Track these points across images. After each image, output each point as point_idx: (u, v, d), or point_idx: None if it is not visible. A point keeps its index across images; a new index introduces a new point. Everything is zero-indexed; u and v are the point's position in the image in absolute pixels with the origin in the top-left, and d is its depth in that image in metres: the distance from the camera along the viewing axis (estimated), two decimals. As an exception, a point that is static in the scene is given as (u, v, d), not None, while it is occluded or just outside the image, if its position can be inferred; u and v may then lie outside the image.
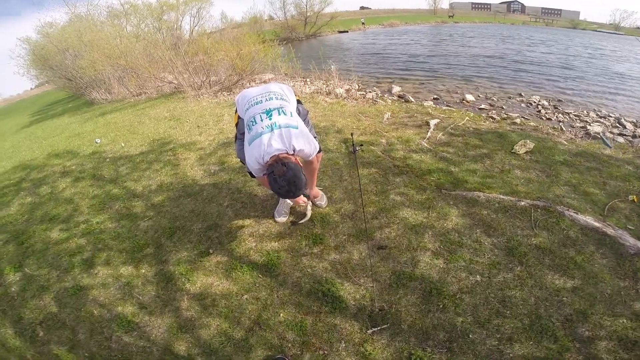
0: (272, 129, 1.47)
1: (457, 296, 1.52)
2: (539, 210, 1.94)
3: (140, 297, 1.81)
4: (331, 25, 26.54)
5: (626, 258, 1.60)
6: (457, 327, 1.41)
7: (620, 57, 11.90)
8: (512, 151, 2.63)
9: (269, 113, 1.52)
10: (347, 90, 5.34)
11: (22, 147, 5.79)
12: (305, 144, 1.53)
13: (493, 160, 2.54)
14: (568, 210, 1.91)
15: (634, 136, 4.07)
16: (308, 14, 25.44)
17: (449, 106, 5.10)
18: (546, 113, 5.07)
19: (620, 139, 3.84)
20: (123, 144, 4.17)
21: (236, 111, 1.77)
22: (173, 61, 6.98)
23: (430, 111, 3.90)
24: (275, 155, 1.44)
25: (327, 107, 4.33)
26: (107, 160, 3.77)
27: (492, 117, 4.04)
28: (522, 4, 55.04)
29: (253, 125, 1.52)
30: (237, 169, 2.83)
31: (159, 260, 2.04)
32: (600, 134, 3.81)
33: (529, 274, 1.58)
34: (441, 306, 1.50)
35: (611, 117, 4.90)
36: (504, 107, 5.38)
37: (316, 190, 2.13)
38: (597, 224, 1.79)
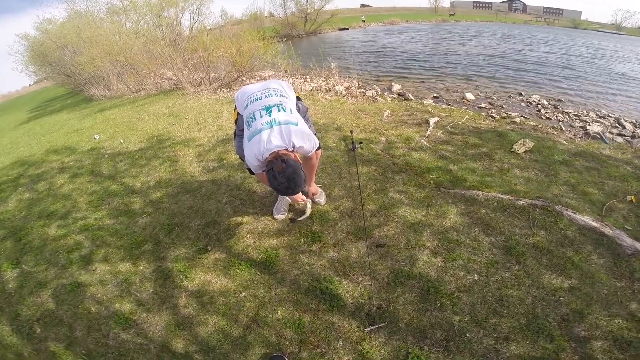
0: (271, 126, 1.46)
1: (455, 295, 1.53)
2: (537, 209, 1.95)
3: (138, 294, 1.81)
4: (331, 23, 26.42)
5: (623, 258, 1.60)
6: (455, 326, 1.41)
7: (621, 58, 11.89)
8: (512, 150, 2.63)
9: (268, 109, 1.51)
10: (347, 88, 5.32)
11: (20, 143, 5.76)
12: (305, 140, 1.53)
13: (492, 159, 2.54)
14: (566, 209, 1.91)
15: (633, 136, 4.07)
16: (308, 11, 25.33)
17: (449, 105, 5.09)
18: (546, 112, 5.07)
19: (620, 139, 3.85)
20: (122, 140, 4.16)
21: (235, 108, 1.77)
22: (172, 58, 6.95)
23: (430, 109, 3.89)
24: (274, 151, 1.44)
25: (327, 104, 4.32)
26: (106, 156, 3.75)
27: (492, 116, 4.04)
28: (524, 3, 54.86)
29: (252, 121, 1.51)
30: (236, 166, 2.82)
31: (157, 257, 2.03)
32: (600, 134, 3.82)
33: (527, 273, 1.58)
34: (439, 305, 1.50)
35: (611, 117, 4.90)
36: (503, 106, 5.38)
37: (315, 187, 2.13)
38: (595, 224, 1.79)
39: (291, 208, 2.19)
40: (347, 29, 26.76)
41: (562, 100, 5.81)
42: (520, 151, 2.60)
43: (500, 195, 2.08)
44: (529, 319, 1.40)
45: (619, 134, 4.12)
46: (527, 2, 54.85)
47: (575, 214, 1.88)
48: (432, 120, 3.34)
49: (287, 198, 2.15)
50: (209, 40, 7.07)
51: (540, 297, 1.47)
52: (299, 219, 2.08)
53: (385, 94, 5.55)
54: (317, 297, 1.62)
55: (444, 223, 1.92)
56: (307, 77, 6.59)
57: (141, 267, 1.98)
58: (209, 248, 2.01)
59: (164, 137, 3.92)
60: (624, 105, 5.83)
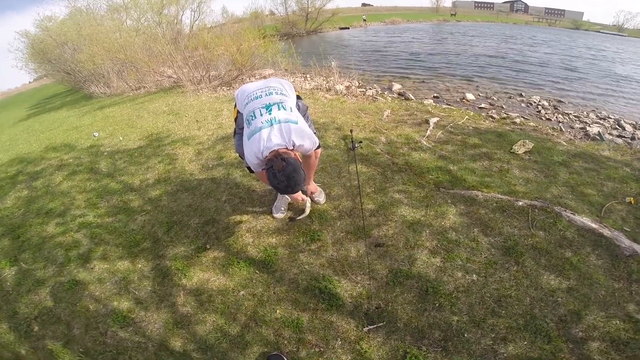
0: (271, 124, 1.46)
1: (453, 295, 1.53)
2: (536, 210, 1.94)
3: (136, 292, 1.81)
4: (332, 22, 26.37)
5: (621, 259, 1.60)
6: (453, 326, 1.41)
7: (623, 59, 11.88)
8: (511, 151, 2.63)
9: (268, 108, 1.51)
10: (347, 87, 5.32)
11: (19, 140, 5.75)
12: (305, 139, 1.52)
13: (492, 159, 2.53)
14: (565, 210, 1.92)
15: (633, 138, 4.07)
16: (309, 9, 25.28)
17: (449, 105, 5.08)
18: (546, 113, 5.06)
19: (619, 141, 3.85)
20: (121, 138, 4.15)
21: (235, 106, 1.76)
22: (173, 55, 6.94)
23: (430, 109, 3.89)
24: (274, 150, 1.43)
25: (327, 103, 4.31)
26: (105, 154, 3.74)
27: (492, 117, 4.04)
28: (526, 4, 54.78)
29: (252, 119, 1.51)
30: (236, 164, 2.82)
31: (156, 255, 2.03)
32: (599, 134, 3.81)
33: (525, 273, 1.59)
34: (437, 305, 1.50)
35: (611, 118, 4.90)
36: (504, 106, 5.37)
37: (313, 186, 2.13)
38: (593, 225, 1.79)
39: (290, 207, 2.19)
40: (348, 28, 26.71)
41: (562, 101, 5.81)
42: (520, 152, 2.60)
43: (499, 196, 2.08)
44: (526, 319, 1.40)
45: (619, 136, 4.12)
46: (529, 2, 54.78)
47: (574, 215, 1.88)
48: (432, 120, 3.34)
49: (287, 197, 2.15)
50: (209, 38, 7.06)
51: (538, 298, 1.47)
52: (298, 217, 2.08)
53: (386, 93, 5.54)
54: (315, 297, 1.62)
55: (443, 223, 1.92)
56: (308, 75, 6.58)
57: (139, 265, 1.98)
58: (208, 246, 2.01)
59: (164, 135, 3.92)
60: (624, 106, 5.83)
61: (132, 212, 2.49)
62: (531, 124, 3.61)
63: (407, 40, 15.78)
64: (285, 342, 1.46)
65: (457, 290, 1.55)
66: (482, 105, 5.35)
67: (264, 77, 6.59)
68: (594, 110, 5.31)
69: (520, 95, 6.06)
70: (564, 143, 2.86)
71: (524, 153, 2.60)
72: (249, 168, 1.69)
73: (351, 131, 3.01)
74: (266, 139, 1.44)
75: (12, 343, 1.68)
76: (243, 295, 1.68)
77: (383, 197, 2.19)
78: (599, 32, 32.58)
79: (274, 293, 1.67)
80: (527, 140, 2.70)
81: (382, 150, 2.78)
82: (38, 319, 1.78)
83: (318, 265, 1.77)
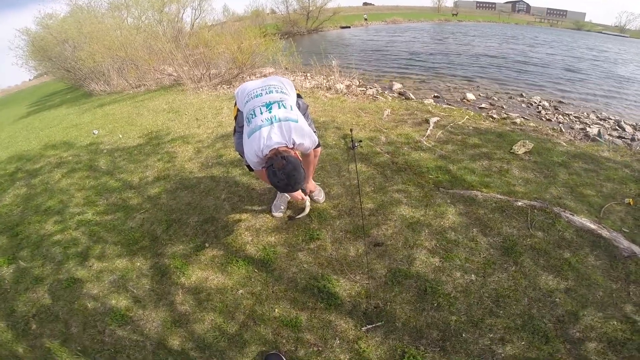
0: (271, 122, 1.45)
1: (452, 295, 1.53)
2: (535, 210, 1.94)
3: (135, 291, 1.81)
4: (333, 21, 26.35)
5: (619, 260, 1.60)
6: (451, 326, 1.41)
7: (624, 60, 11.87)
8: (511, 151, 2.63)
9: (268, 106, 1.50)
10: (348, 86, 5.31)
11: (18, 137, 5.74)
12: (305, 138, 1.52)
13: (492, 159, 2.53)
14: (564, 211, 1.91)
15: (633, 139, 4.07)
16: (310, 8, 25.24)
17: (450, 104, 5.08)
18: (546, 114, 5.06)
19: (619, 142, 3.84)
20: (121, 136, 4.14)
21: (235, 104, 1.76)
22: (173, 53, 6.92)
23: (431, 109, 3.88)
24: (274, 148, 1.43)
25: (327, 102, 4.30)
26: (104, 151, 3.74)
27: (492, 117, 4.03)
28: (528, 4, 54.70)
29: (252, 118, 1.50)
30: (235, 162, 2.82)
31: (154, 253, 2.03)
32: (599, 135, 3.81)
33: (524, 274, 1.58)
34: (435, 305, 1.50)
35: (611, 119, 4.90)
36: (504, 106, 5.37)
37: (312, 184, 2.12)
38: (592, 226, 1.79)
39: (290, 206, 2.19)
40: (349, 27, 26.67)
41: (563, 102, 5.80)
42: (519, 152, 2.60)
43: (498, 196, 2.07)
44: (524, 319, 1.40)
45: (619, 137, 4.12)
46: (531, 2, 54.71)
47: (573, 215, 1.88)
48: (433, 120, 3.33)
49: (286, 195, 2.14)
50: (210, 36, 7.04)
51: (536, 298, 1.47)
52: (298, 216, 2.07)
53: (386, 92, 5.54)
54: (314, 296, 1.61)
55: (442, 223, 1.92)
56: (308, 74, 6.56)
57: (138, 264, 1.98)
58: (207, 245, 2.01)
59: (163, 133, 3.91)
60: (624, 107, 5.83)
61: (130, 210, 2.48)
62: (531, 124, 3.61)
63: (408, 40, 15.76)
64: (284, 341, 1.46)
65: (456, 290, 1.55)
66: (483, 105, 5.35)
67: (265, 76, 6.57)
68: (594, 111, 5.31)
69: (521, 95, 6.06)
70: (564, 144, 2.86)
71: (523, 153, 2.59)
72: (248, 166, 1.68)
73: (351, 130, 3.02)
74: (266, 137, 1.43)
75: (10, 341, 1.68)
76: (242, 293, 1.68)
77: (382, 196, 2.19)
78: (601, 32, 32.54)
79: (272, 292, 1.67)
80: (527, 141, 2.70)
81: (382, 150, 2.78)
82: (36, 317, 1.78)
83: (317, 264, 1.77)
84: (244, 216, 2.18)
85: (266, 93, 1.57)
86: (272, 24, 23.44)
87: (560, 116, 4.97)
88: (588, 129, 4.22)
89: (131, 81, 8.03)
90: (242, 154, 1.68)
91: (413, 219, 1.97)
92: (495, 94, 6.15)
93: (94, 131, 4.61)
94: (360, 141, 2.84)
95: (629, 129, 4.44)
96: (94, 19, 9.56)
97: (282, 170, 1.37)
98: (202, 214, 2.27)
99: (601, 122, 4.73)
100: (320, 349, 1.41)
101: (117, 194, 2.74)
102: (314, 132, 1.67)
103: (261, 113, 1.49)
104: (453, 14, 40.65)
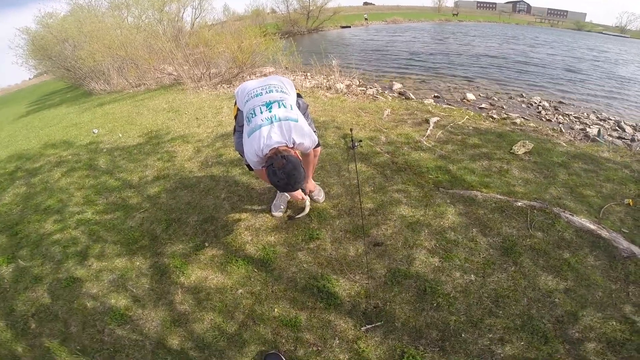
0: (271, 122, 1.45)
1: (451, 295, 1.53)
2: (535, 211, 1.94)
3: (134, 290, 1.81)
4: (333, 20, 26.34)
5: (619, 261, 1.60)
6: (450, 326, 1.41)
7: (625, 61, 11.86)
8: (511, 151, 2.63)
9: (268, 105, 1.50)
10: (348, 86, 5.30)
11: (18, 136, 5.74)
12: (305, 137, 1.52)
13: (491, 159, 2.53)
14: (564, 211, 1.91)
15: (633, 140, 4.07)
16: (311, 8, 25.23)
17: (450, 104, 5.08)
18: (546, 114, 5.06)
19: (619, 142, 3.84)
20: (120, 135, 4.14)
21: (235, 103, 1.75)
22: (173, 53, 6.92)
23: (431, 109, 3.88)
24: (274, 147, 1.43)
25: (327, 102, 4.30)
26: (104, 150, 3.74)
27: (492, 117, 4.03)
28: (528, 4, 54.67)
29: (252, 117, 1.50)
30: (235, 162, 2.82)
31: (154, 252, 2.03)
32: (599, 132, 3.81)
33: (523, 274, 1.58)
34: (435, 305, 1.50)
35: (611, 120, 4.90)
36: (504, 107, 5.37)
37: (312, 184, 2.12)
38: (592, 226, 1.79)
39: (289, 205, 2.19)
40: (349, 26, 26.66)
41: (563, 102, 5.80)
42: (519, 152, 2.60)
43: (498, 196, 2.07)
44: (524, 320, 1.40)
45: (619, 137, 4.12)
46: (532, 3, 54.68)
47: (572, 216, 1.88)
48: (433, 120, 3.33)
49: (286, 195, 2.14)
50: (210, 35, 7.05)
51: (535, 299, 1.47)
52: (297, 216, 2.07)
53: (386, 92, 5.53)
54: (313, 295, 1.61)
55: (442, 223, 1.92)
56: (308, 74, 6.56)
57: (137, 263, 1.98)
58: (206, 244, 2.01)
59: (163, 132, 3.91)
60: (625, 108, 5.83)
61: (130, 210, 2.48)
62: (531, 124, 3.61)
63: (409, 40, 15.75)
64: (283, 340, 1.46)
65: (455, 290, 1.55)
66: (483, 106, 5.34)
67: (265, 75, 6.57)
68: (594, 112, 5.31)
69: (521, 95, 6.06)
70: (564, 144, 2.86)
71: (523, 154, 2.59)
72: (248, 166, 1.68)
73: (351, 130, 3.01)
74: (266, 136, 1.43)
75: (9, 341, 1.68)
76: (241, 293, 1.68)
77: (382, 196, 2.19)
78: (602, 33, 32.53)
79: (272, 291, 1.67)
80: (527, 141, 2.69)
81: (381, 150, 2.78)
82: (35, 316, 1.78)
83: (316, 264, 1.77)
84: (243, 216, 2.18)
85: (266, 92, 1.57)
86: (272, 24, 23.44)
87: (560, 116, 4.96)
88: (588, 129, 4.22)
89: (131, 80, 8.03)
90: (242, 153, 1.67)
91: (413, 219, 1.97)
92: (495, 94, 6.15)
93: (94, 130, 4.60)
94: (360, 141, 2.84)
95: (629, 129, 4.44)
96: (94, 18, 9.55)
97: (282, 169, 1.37)
98: (201, 214, 2.27)
99: (601, 123, 4.73)
100: (319, 348, 1.41)
101: (117, 193, 2.74)
102: (314, 131, 1.67)
103: (261, 112, 1.49)
104: (453, 14, 40.63)
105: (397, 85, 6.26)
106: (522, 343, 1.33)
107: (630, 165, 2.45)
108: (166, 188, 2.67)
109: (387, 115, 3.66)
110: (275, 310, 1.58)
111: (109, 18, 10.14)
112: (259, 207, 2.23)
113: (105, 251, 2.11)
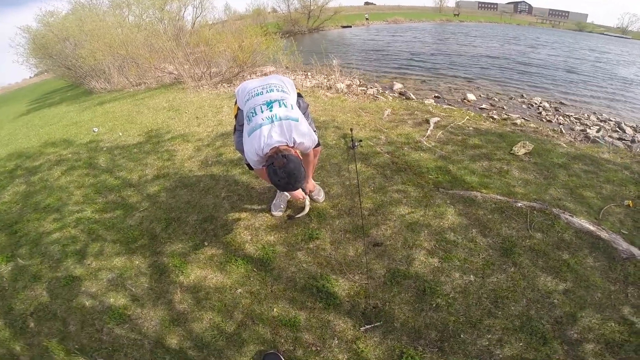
0: (272, 121, 1.45)
1: (451, 295, 1.53)
2: (535, 211, 1.94)
3: (133, 289, 1.81)
4: (334, 20, 26.32)
5: (618, 262, 1.60)
6: (449, 327, 1.41)
7: (627, 62, 11.85)
8: (511, 152, 2.62)
9: (269, 105, 1.50)
10: (348, 86, 5.30)
11: (18, 135, 5.74)
12: (305, 137, 1.52)
13: (492, 160, 2.53)
14: (564, 212, 1.91)
15: (633, 141, 4.06)
16: (311, 7, 25.21)
17: (450, 105, 5.07)
18: (547, 115, 5.05)
19: (619, 144, 3.84)
20: (120, 134, 4.14)
21: (236, 103, 1.75)
22: (174, 52, 6.92)
23: (431, 109, 3.88)
24: (275, 147, 1.43)
25: (328, 101, 4.30)
26: (104, 149, 3.74)
27: (493, 117, 4.03)
28: (530, 5, 54.62)
29: (253, 116, 1.50)
30: (235, 161, 2.81)
31: (153, 251, 2.03)
32: (599, 137, 3.81)
33: (522, 275, 1.58)
34: (434, 305, 1.50)
35: (611, 121, 4.89)
36: (504, 107, 5.37)
37: (312, 184, 2.12)
38: (591, 228, 1.79)
39: (289, 205, 2.18)
40: (350, 26, 26.64)
41: (563, 103, 5.80)
42: (519, 153, 2.59)
43: (498, 197, 2.07)
44: (523, 321, 1.40)
45: (619, 138, 4.11)
46: (533, 3, 54.64)
47: (572, 217, 1.88)
48: (433, 120, 3.33)
49: (286, 194, 2.14)
50: (211, 34, 7.04)
51: (534, 299, 1.47)
52: (297, 216, 2.07)
53: (387, 92, 5.53)
54: (313, 295, 1.61)
55: (441, 223, 1.92)
56: (309, 73, 6.55)
57: (137, 262, 1.98)
58: (206, 243, 2.01)
59: (163, 131, 3.91)
60: (625, 109, 5.82)
61: (130, 208, 2.48)
62: (532, 125, 3.61)
63: (410, 40, 15.74)
64: (282, 340, 1.46)
65: (455, 290, 1.55)
66: (483, 106, 5.34)
67: (265, 75, 6.56)
68: (595, 113, 5.31)
69: (522, 96, 6.05)
70: (564, 145, 2.86)
71: (523, 154, 2.59)
72: (248, 165, 1.68)
73: (351, 130, 3.01)
74: (267, 135, 1.43)
75: (7, 339, 1.67)
76: (240, 293, 1.68)
77: (382, 196, 2.18)
78: (603, 34, 32.51)
79: (271, 291, 1.67)
80: (527, 142, 2.69)
81: (382, 150, 2.78)
82: (34, 315, 1.78)
83: (316, 264, 1.77)
84: (243, 215, 2.18)
85: (267, 92, 1.56)
86: (273, 23, 23.44)
87: (560, 117, 4.96)
88: (588, 130, 4.22)
89: (132, 79, 8.03)
90: (242, 152, 1.67)
91: (412, 219, 1.97)
92: (496, 95, 6.14)
93: (94, 129, 4.60)
94: (360, 141, 2.84)
95: (629, 130, 4.43)
96: (95, 17, 9.55)
97: (283, 168, 1.36)
98: (201, 213, 2.27)
99: (601, 124, 4.73)
100: (318, 348, 1.41)
101: (116, 192, 2.74)
102: (314, 131, 1.67)
103: (262, 111, 1.49)
104: (455, 14, 40.60)
105: (397, 85, 6.25)
106: (521, 344, 1.32)
107: (630, 167, 2.45)
108: (166, 187, 2.66)
109: (388, 115, 3.66)
110: (275, 310, 1.58)
111: (110, 17, 10.15)
112: (259, 207, 2.23)
113: (105, 250, 2.11)
